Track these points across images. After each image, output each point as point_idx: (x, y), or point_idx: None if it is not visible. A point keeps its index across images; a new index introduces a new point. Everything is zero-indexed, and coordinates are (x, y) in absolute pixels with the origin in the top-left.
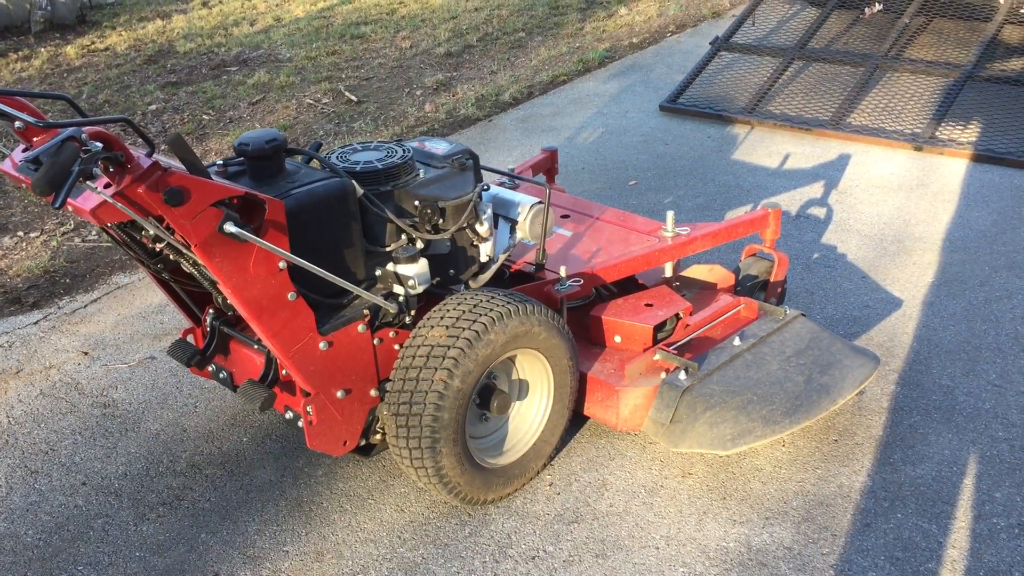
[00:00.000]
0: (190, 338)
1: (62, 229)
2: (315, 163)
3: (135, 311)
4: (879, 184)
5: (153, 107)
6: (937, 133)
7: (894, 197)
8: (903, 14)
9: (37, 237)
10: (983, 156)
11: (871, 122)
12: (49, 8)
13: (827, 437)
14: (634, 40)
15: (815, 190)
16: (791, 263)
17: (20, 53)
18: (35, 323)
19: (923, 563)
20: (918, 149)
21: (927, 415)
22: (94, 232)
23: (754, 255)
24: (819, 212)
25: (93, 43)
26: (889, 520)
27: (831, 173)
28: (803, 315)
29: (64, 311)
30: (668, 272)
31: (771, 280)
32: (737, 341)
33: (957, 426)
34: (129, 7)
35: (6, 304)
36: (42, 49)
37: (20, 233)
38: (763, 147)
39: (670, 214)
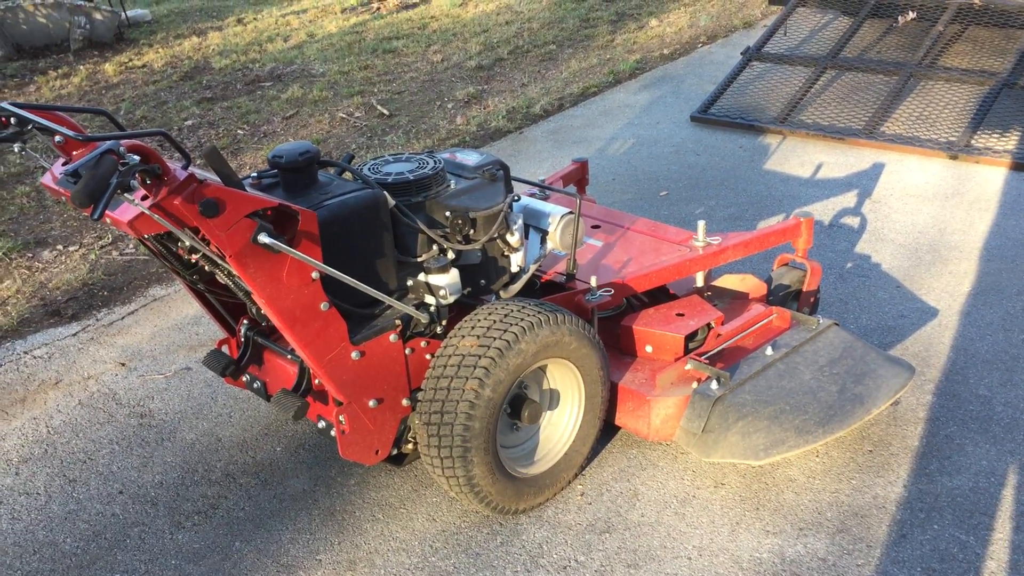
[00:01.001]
0: (224, 348)
1: (100, 243)
2: (348, 175)
3: (171, 323)
4: (914, 193)
5: (189, 122)
6: (973, 141)
7: (929, 206)
8: (937, 22)
9: (76, 251)
10: (1020, 164)
11: (905, 131)
12: (88, 27)
13: (862, 447)
14: (665, 51)
15: (848, 199)
16: (824, 272)
17: (60, 71)
18: (74, 335)
19: (961, 574)
20: (953, 158)
21: (964, 425)
22: (131, 246)
23: (786, 265)
24: (852, 221)
25: (131, 60)
26: (925, 531)
27: (865, 182)
28: (836, 324)
29: (102, 323)
30: (699, 282)
31: (804, 290)
32: (769, 351)
33: (995, 436)
34: (166, 25)
35: (46, 316)
36: (81, 67)
37: (60, 247)
38: (795, 157)
39: (701, 224)
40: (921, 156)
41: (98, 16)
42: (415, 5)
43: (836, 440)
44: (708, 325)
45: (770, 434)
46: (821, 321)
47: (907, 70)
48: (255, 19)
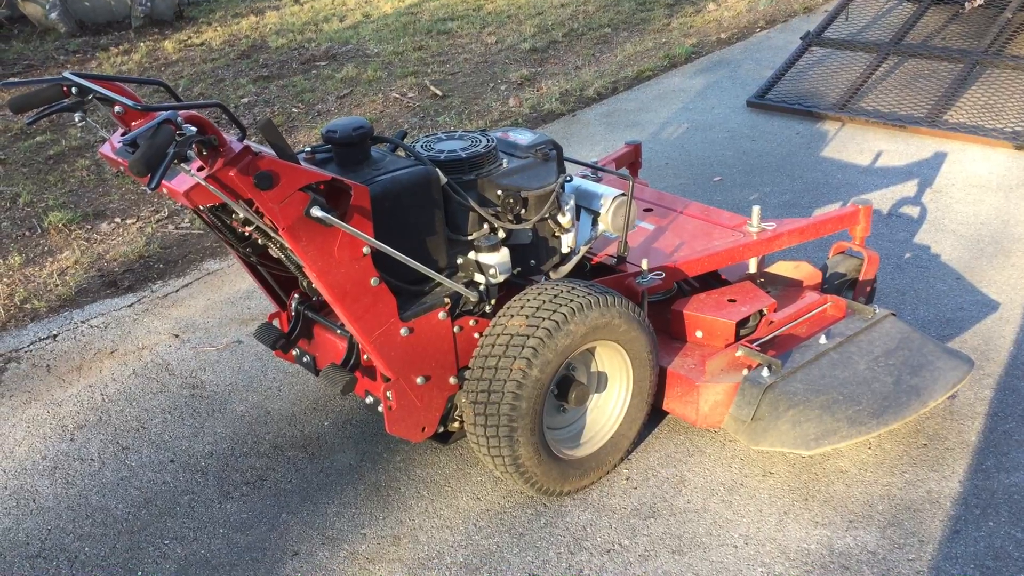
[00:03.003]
0: (276, 322)
1: (157, 216)
2: (400, 151)
3: (224, 296)
4: (976, 183)
5: (245, 100)
6: None
7: (992, 197)
8: (1006, 8)
9: (133, 224)
10: None
11: (969, 120)
12: (148, 4)
13: (916, 441)
14: (722, 35)
15: (908, 188)
16: (882, 262)
17: (121, 47)
18: (129, 306)
19: (1016, 573)
20: (1019, 148)
21: (1023, 421)
22: (187, 220)
23: (843, 253)
24: (912, 211)
25: (190, 38)
26: (980, 528)
27: (926, 171)
28: (893, 315)
29: (157, 295)
30: (752, 268)
31: (860, 279)
32: (823, 339)
33: None
34: (224, 4)
35: (103, 287)
36: (141, 44)
37: (117, 219)
38: (854, 144)
39: (756, 209)
40: (985, 146)
41: None
42: None
43: (890, 432)
44: (760, 312)
45: (821, 424)
46: (877, 311)
47: (973, 57)
48: None
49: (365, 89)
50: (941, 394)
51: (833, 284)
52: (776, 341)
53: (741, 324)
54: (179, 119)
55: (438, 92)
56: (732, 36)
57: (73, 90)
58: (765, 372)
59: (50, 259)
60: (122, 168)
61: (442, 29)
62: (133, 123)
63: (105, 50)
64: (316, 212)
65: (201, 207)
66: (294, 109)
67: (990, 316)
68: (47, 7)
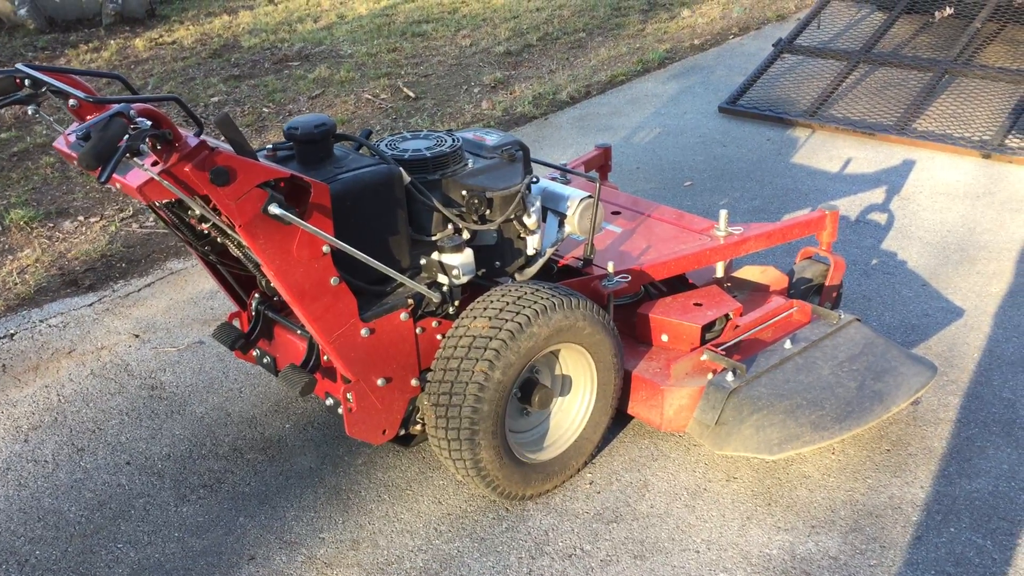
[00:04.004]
0: (236, 322)
1: (121, 215)
2: (364, 150)
3: (187, 296)
4: (944, 191)
5: (215, 99)
6: (1007, 141)
7: (959, 204)
8: (975, 19)
9: (97, 222)
10: None
11: (937, 128)
12: (120, 2)
13: (879, 446)
14: (695, 42)
15: (876, 195)
16: (848, 268)
17: (90, 45)
18: (90, 305)
19: None
20: (986, 156)
21: (986, 428)
22: (152, 218)
23: (809, 258)
24: (880, 218)
25: (161, 36)
26: (942, 534)
27: (894, 179)
28: (858, 320)
29: (118, 294)
30: (719, 272)
31: (826, 284)
32: (788, 344)
33: (1017, 440)
34: (197, 3)
35: (63, 285)
36: (112, 41)
37: (81, 218)
38: (824, 151)
39: (723, 213)
40: (953, 154)
41: None
42: None
43: (853, 438)
44: (726, 316)
45: (785, 428)
46: (843, 316)
47: (942, 67)
48: None
49: (337, 90)
50: (904, 400)
51: (799, 289)
52: (741, 345)
53: (707, 328)
54: (132, 112)
55: (411, 94)
56: (705, 42)
57: (26, 82)
58: (730, 376)
59: (10, 257)
60: (73, 162)
61: (417, 31)
62: (88, 116)
63: (75, 47)
64: (274, 209)
65: (157, 203)
66: (265, 109)
67: (955, 323)
68: (16, 3)
